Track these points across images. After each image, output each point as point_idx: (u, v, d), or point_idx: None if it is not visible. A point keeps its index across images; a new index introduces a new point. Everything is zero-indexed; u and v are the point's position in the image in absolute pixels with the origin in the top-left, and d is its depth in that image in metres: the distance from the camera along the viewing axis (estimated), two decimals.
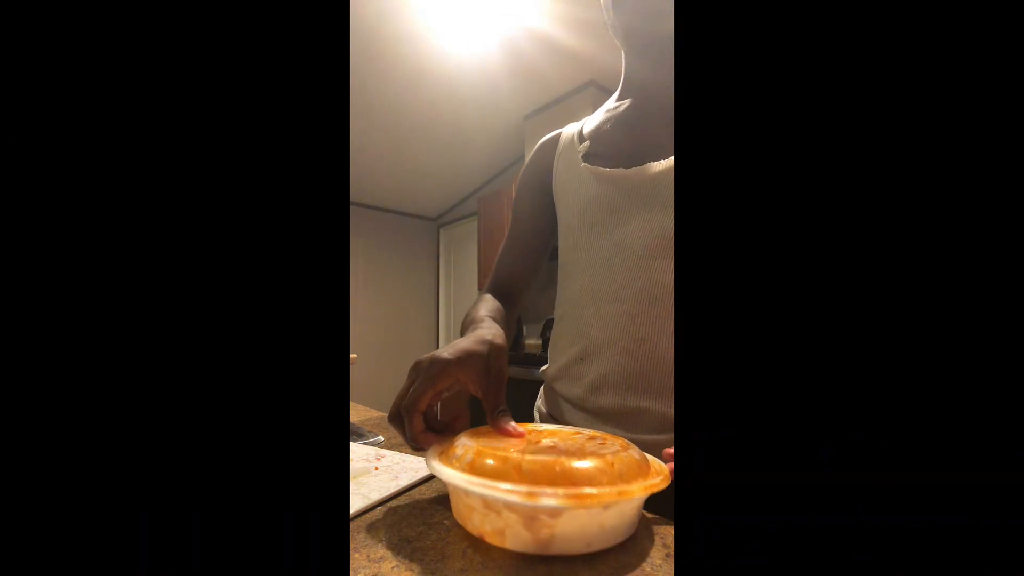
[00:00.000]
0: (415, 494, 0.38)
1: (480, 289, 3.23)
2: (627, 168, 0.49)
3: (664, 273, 0.44)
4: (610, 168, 0.50)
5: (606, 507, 0.26)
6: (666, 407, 0.44)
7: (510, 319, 0.59)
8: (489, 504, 0.26)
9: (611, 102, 0.58)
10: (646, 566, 0.26)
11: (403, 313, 3.68)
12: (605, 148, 0.53)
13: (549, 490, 0.25)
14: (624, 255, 0.47)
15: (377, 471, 0.42)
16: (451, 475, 0.28)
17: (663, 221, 0.45)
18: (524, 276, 0.63)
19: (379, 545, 0.28)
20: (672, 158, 0.46)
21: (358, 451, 0.49)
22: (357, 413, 0.75)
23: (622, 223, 0.48)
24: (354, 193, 3.31)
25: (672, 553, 0.28)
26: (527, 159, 0.58)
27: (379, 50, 2.06)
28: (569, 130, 0.60)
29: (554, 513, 0.25)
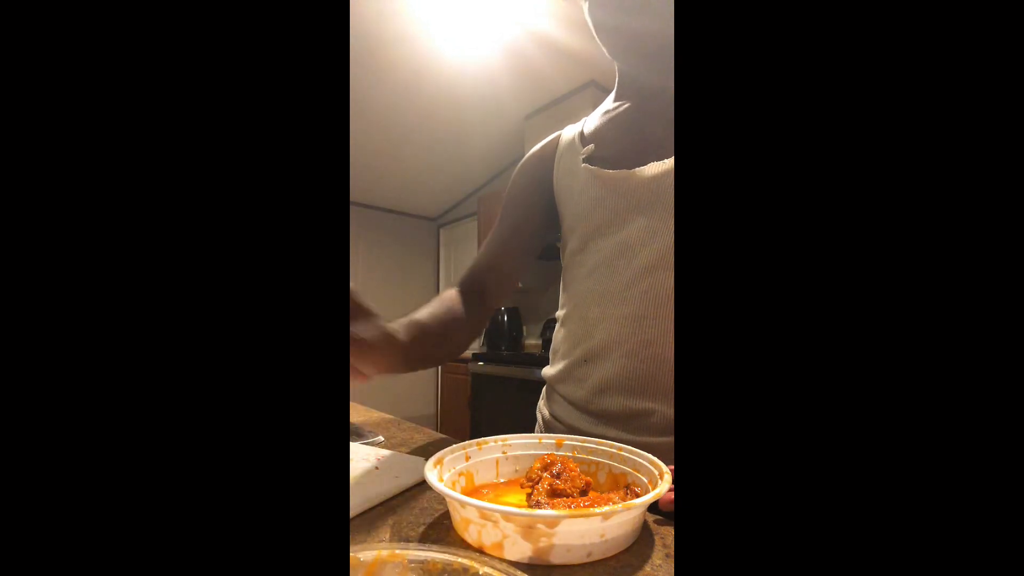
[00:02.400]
0: (415, 494, 0.38)
1: None
2: (629, 169, 0.48)
3: (669, 275, 0.44)
4: (612, 169, 0.49)
5: (606, 517, 0.26)
6: (672, 409, 0.44)
7: (466, 314, 0.55)
8: (486, 515, 0.26)
9: (608, 103, 0.57)
10: (646, 566, 0.26)
11: (403, 313, 3.67)
12: (607, 149, 0.52)
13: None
14: (629, 257, 0.47)
15: (377, 471, 0.42)
16: (446, 491, 0.28)
17: (668, 223, 0.45)
18: (502, 271, 0.60)
19: (379, 545, 0.28)
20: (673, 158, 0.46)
21: (358, 451, 0.49)
22: (357, 413, 0.75)
23: (626, 225, 0.48)
24: (354, 193, 3.31)
25: (672, 553, 0.28)
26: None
27: (379, 50, 2.06)
28: (569, 132, 0.59)
29: (551, 522, 0.25)
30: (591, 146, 0.54)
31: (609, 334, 0.48)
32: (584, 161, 0.53)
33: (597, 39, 0.51)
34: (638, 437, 0.45)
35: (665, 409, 0.44)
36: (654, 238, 0.45)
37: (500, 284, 0.60)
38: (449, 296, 0.56)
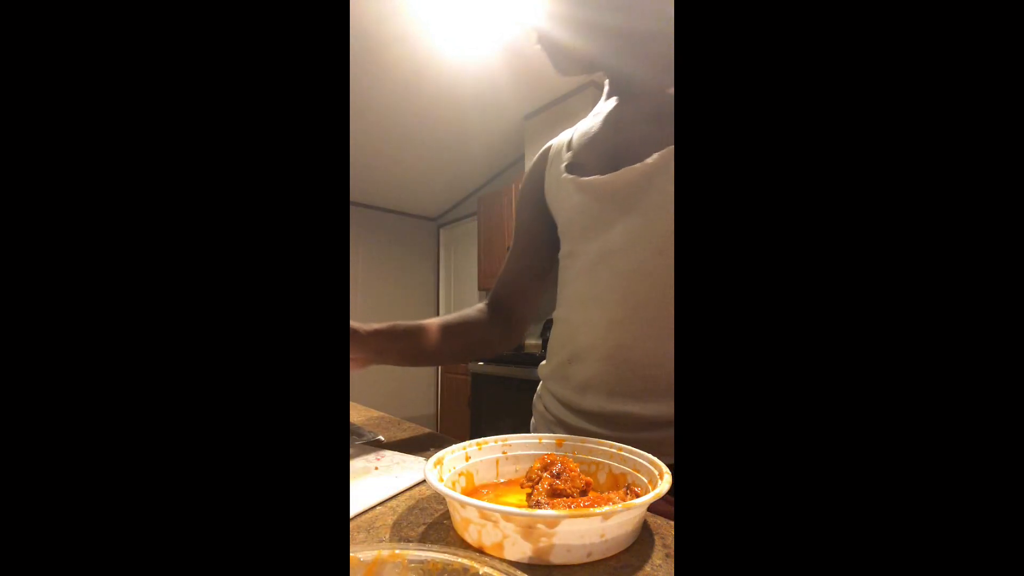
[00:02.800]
0: (415, 494, 0.38)
1: (480, 289, 3.25)
2: (605, 174, 0.49)
3: (644, 279, 0.45)
4: (590, 176, 0.50)
5: (606, 517, 0.26)
6: (645, 409, 0.46)
7: (490, 323, 0.64)
8: (486, 515, 0.26)
9: (600, 102, 0.58)
10: (646, 566, 0.26)
11: (403, 313, 3.68)
12: (587, 155, 0.54)
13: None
14: (609, 262, 0.49)
15: (377, 471, 0.42)
16: (446, 491, 0.28)
17: (643, 226, 0.46)
18: (523, 287, 0.65)
19: (379, 545, 0.28)
20: (649, 159, 0.46)
21: (358, 451, 0.49)
22: (357, 413, 0.75)
23: (605, 230, 0.49)
24: (354, 193, 3.31)
25: (672, 553, 0.28)
26: (527, 159, 0.62)
27: (379, 50, 2.06)
28: (560, 140, 0.60)
29: (551, 522, 0.25)
30: (570, 153, 0.56)
31: (589, 337, 0.50)
32: (566, 169, 0.55)
33: (555, 49, 0.51)
34: (618, 432, 0.47)
35: (639, 409, 0.46)
36: (633, 244, 0.47)
37: (522, 296, 0.65)
38: (474, 307, 0.64)
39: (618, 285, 0.47)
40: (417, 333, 0.58)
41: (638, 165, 0.46)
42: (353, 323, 0.53)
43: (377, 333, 0.54)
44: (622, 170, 0.47)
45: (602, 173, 0.49)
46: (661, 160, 0.45)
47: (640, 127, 0.49)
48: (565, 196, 0.54)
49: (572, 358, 0.52)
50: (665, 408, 0.45)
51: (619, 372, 0.47)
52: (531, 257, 0.63)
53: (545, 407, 0.58)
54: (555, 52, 0.50)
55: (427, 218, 3.93)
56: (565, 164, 0.55)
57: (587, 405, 0.50)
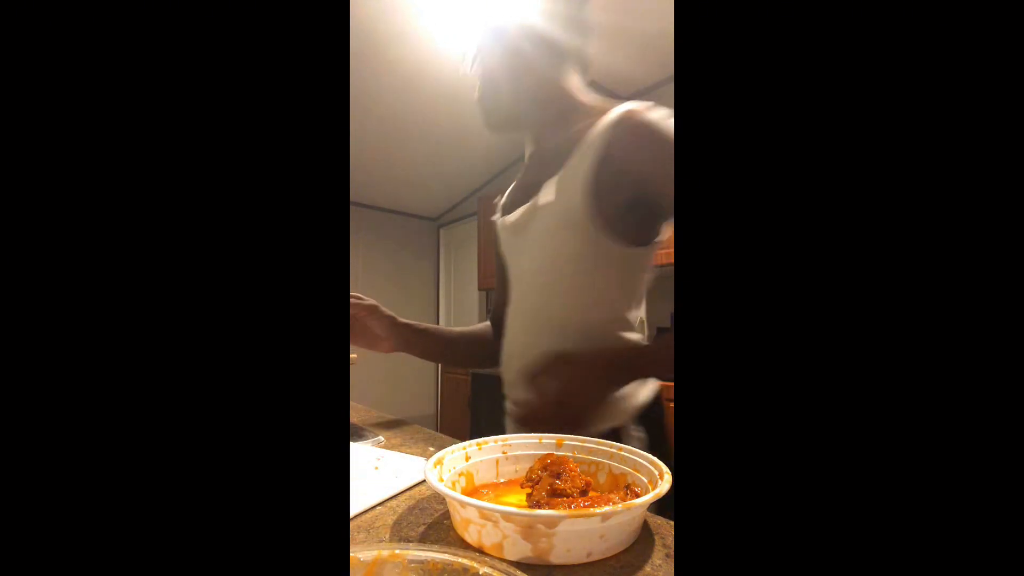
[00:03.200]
0: (415, 494, 0.38)
1: (480, 290, 3.26)
2: (506, 215, 0.63)
3: (541, 294, 0.58)
4: (506, 216, 0.65)
5: (606, 517, 0.26)
6: (526, 395, 0.54)
7: (491, 342, 0.76)
8: (486, 515, 0.26)
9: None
10: (646, 566, 0.26)
11: (403, 313, 3.65)
12: (509, 198, 0.68)
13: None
14: (521, 282, 0.63)
15: (377, 471, 0.42)
16: (446, 491, 0.28)
17: (536, 253, 0.59)
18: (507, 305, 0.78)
19: (379, 545, 0.28)
20: (533, 198, 0.58)
21: (358, 451, 0.49)
22: (357, 413, 0.75)
23: (516, 258, 0.64)
24: (354, 193, 3.31)
25: (672, 553, 0.28)
26: (527, 159, 0.71)
27: (379, 50, 2.06)
28: (512, 186, 0.73)
29: (551, 522, 0.25)
30: (499, 198, 0.71)
31: (512, 342, 0.63)
32: (499, 210, 0.69)
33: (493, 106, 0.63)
34: (529, 414, 0.55)
35: (532, 398, 0.53)
36: (531, 267, 0.60)
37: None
38: (482, 324, 0.79)
39: (525, 299, 0.61)
40: (436, 335, 0.73)
41: (524, 204, 0.59)
42: (389, 311, 0.67)
43: (407, 325, 0.69)
44: (518, 210, 0.61)
45: (509, 214, 0.63)
46: (540, 198, 0.57)
47: (539, 169, 0.60)
48: (498, 233, 0.69)
49: (504, 359, 0.65)
50: (546, 388, 0.52)
51: (521, 366, 0.58)
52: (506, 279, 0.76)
53: (505, 402, 0.69)
54: (487, 111, 0.64)
55: (427, 218, 3.92)
56: (500, 206, 0.70)
57: (512, 395, 0.63)
